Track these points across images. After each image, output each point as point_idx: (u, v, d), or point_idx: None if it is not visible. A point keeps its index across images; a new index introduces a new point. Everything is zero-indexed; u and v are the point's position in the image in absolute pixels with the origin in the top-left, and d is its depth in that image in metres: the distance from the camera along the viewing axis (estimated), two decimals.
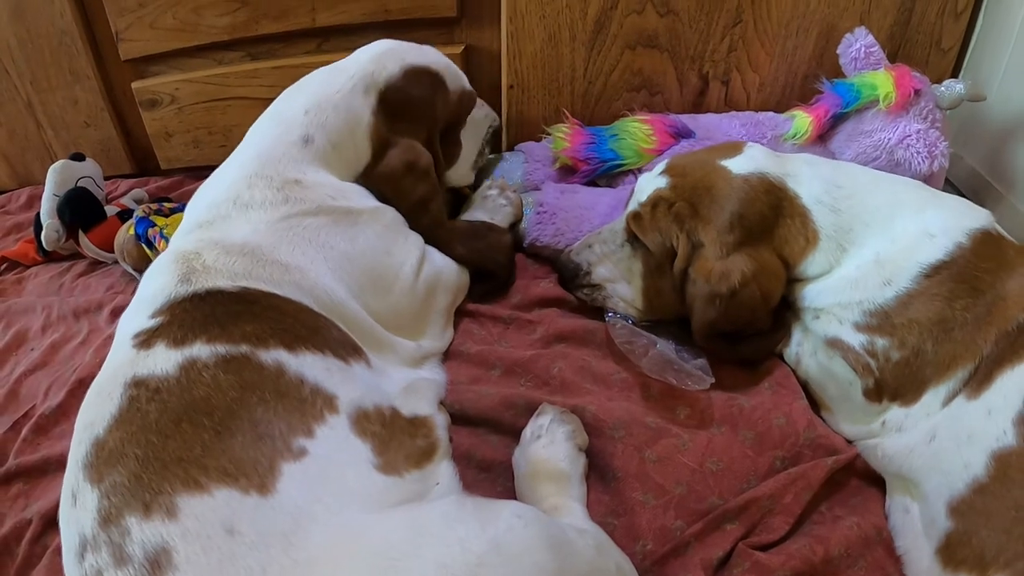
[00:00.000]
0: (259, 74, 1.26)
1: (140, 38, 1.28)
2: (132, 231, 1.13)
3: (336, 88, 0.94)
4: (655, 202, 0.90)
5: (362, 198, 0.93)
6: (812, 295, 0.88)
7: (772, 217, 0.87)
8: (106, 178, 1.39)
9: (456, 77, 1.04)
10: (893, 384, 0.83)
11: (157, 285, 0.76)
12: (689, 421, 0.88)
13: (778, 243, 0.88)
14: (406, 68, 0.98)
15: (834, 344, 0.87)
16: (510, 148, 1.21)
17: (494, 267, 1.03)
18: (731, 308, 0.86)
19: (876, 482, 0.87)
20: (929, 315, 0.81)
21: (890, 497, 0.85)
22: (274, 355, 0.70)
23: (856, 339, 0.85)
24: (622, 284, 0.96)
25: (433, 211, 0.99)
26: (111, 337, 1.02)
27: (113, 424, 0.64)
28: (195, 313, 0.72)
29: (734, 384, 0.92)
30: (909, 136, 1.03)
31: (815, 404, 0.92)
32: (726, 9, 1.14)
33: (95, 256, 1.25)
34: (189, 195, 1.34)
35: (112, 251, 1.21)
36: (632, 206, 0.94)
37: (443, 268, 0.97)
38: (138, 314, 0.75)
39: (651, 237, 0.90)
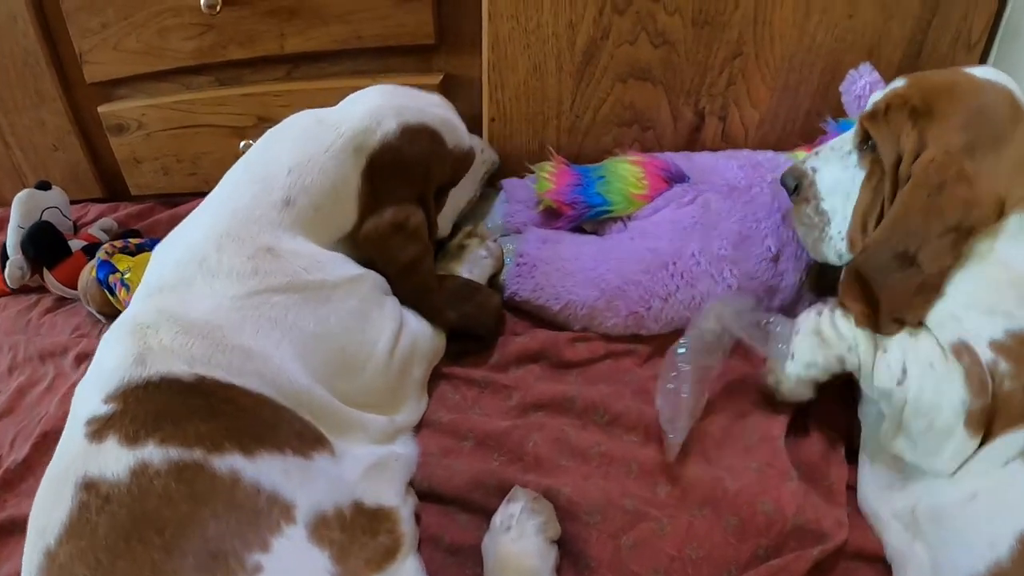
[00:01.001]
0: (227, 101, 1.24)
1: (104, 60, 1.27)
2: (94, 273, 1.13)
3: (324, 146, 0.92)
4: (891, 100, 0.86)
5: (340, 267, 0.91)
6: (970, 282, 0.81)
7: (1007, 131, 0.81)
8: (76, 202, 1.41)
9: (456, 134, 1.02)
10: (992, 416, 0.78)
11: (113, 361, 0.76)
12: (670, 500, 0.88)
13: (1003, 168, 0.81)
14: (403, 126, 0.95)
15: (962, 352, 0.78)
16: (491, 184, 1.19)
17: (483, 332, 1.03)
18: (932, 206, 0.78)
19: (868, 562, 0.87)
20: None
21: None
22: (229, 461, 0.70)
23: (986, 354, 0.78)
24: (841, 201, 0.91)
25: (423, 275, 0.98)
26: (76, 384, 1.05)
27: (63, 534, 0.65)
28: (148, 405, 0.72)
29: (719, 460, 0.92)
30: None
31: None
32: (726, 40, 1.10)
33: (60, 293, 1.26)
34: (160, 224, 1.36)
35: (76, 288, 1.21)
36: (868, 106, 0.90)
37: (419, 336, 0.96)
38: (93, 392, 0.75)
39: (883, 134, 0.86)
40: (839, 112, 1.08)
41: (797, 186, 0.96)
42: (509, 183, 1.16)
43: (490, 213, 1.14)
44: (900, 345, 0.82)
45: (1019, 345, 0.76)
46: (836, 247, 0.92)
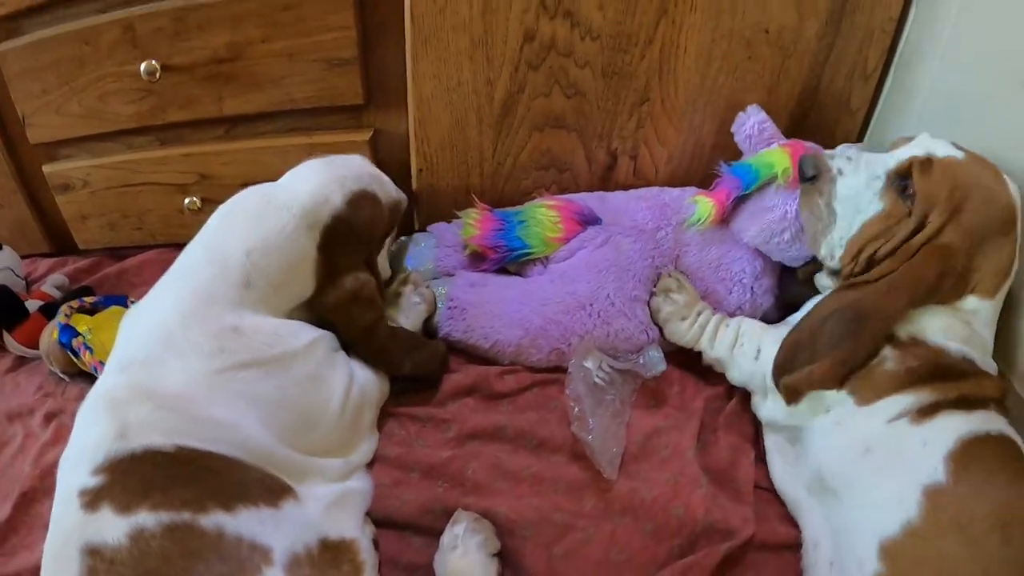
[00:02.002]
0: (169, 160, 1.40)
1: (47, 124, 1.41)
2: (56, 336, 1.29)
3: (278, 228, 1.04)
4: (949, 167, 1.03)
5: (298, 336, 1.04)
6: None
7: (998, 237, 1.02)
8: (24, 257, 1.54)
9: (386, 188, 1.17)
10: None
11: (94, 437, 0.88)
12: (594, 511, 1.08)
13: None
14: (347, 197, 1.09)
15: None
16: (422, 229, 1.37)
17: (432, 376, 1.21)
18: (927, 279, 0.99)
19: (774, 552, 1.08)
20: None
21: (803, 540, 1.06)
22: (213, 519, 0.84)
23: None
24: (849, 212, 1.08)
25: (380, 335, 1.14)
26: (47, 444, 1.21)
27: None
28: (135, 475, 0.85)
29: (638, 473, 1.12)
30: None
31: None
32: (633, 88, 1.31)
33: (21, 354, 1.40)
34: (108, 278, 1.51)
35: (37, 348, 1.34)
36: (918, 151, 1.06)
37: (367, 385, 1.13)
38: (79, 466, 0.87)
39: (927, 191, 1.02)
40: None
41: (814, 176, 1.11)
42: (439, 228, 1.35)
43: (421, 258, 1.32)
44: (751, 335, 1.15)
45: (910, 342, 1.00)
46: (833, 248, 1.11)
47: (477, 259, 1.30)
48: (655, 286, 1.25)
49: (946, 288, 1.01)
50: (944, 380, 0.98)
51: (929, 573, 0.88)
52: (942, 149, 1.06)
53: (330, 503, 0.99)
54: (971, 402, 0.98)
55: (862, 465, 0.98)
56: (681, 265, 1.27)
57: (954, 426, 0.95)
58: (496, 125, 1.32)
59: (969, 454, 0.92)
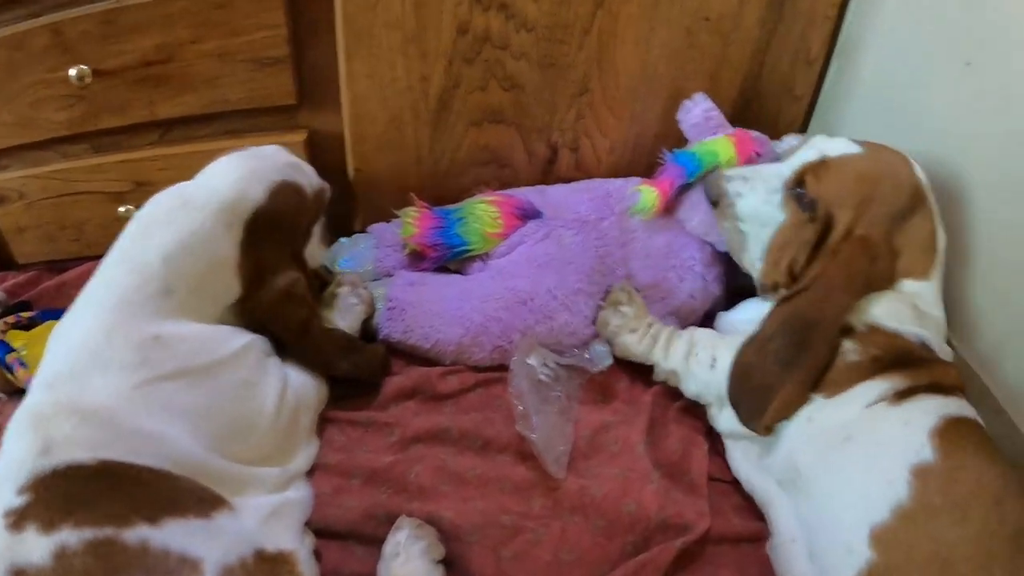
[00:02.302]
0: (104, 168, 1.37)
1: None
2: None
3: (195, 229, 1.01)
4: (842, 166, 1.07)
5: (225, 342, 1.02)
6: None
7: (909, 212, 1.05)
8: None
9: (308, 176, 1.15)
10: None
11: (19, 455, 0.86)
12: (543, 511, 1.07)
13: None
14: (268, 189, 1.06)
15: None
16: (362, 231, 1.36)
17: (372, 379, 1.19)
18: (858, 275, 1.01)
19: (732, 545, 1.08)
20: None
21: (774, 535, 1.05)
22: (138, 532, 0.83)
23: None
24: (756, 229, 1.13)
25: (314, 333, 1.12)
26: None
27: None
28: (58, 492, 0.83)
29: (587, 470, 1.11)
30: None
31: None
32: (572, 79, 1.29)
33: None
34: (47, 292, 1.48)
35: None
36: (812, 156, 1.10)
37: (303, 390, 1.10)
38: (4, 485, 0.86)
39: (823, 195, 1.06)
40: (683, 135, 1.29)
41: (716, 201, 1.16)
42: (378, 228, 1.33)
43: (361, 259, 1.31)
44: (705, 344, 1.14)
45: (871, 332, 1.02)
46: (751, 260, 1.15)
47: (417, 258, 1.29)
48: (604, 297, 1.23)
49: (880, 273, 1.03)
50: (912, 367, 0.99)
51: (924, 555, 0.87)
52: (836, 148, 1.09)
53: (267, 514, 0.98)
54: (943, 388, 0.99)
55: (843, 454, 0.97)
56: (629, 253, 1.25)
57: (934, 406, 0.96)
58: (432, 122, 1.30)
59: (954, 431, 0.93)
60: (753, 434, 1.06)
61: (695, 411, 1.20)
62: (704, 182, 1.17)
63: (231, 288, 1.05)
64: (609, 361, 1.17)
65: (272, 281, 1.07)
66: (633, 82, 1.32)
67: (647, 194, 1.23)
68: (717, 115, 1.26)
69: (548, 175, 1.39)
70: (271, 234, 1.07)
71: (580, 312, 1.19)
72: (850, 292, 1.01)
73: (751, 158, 1.21)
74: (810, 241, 1.07)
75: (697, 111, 1.25)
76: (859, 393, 0.99)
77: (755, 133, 1.23)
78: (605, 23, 1.26)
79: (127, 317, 0.97)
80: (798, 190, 1.09)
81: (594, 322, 1.21)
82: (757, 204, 1.13)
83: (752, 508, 1.11)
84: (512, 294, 1.18)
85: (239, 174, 1.07)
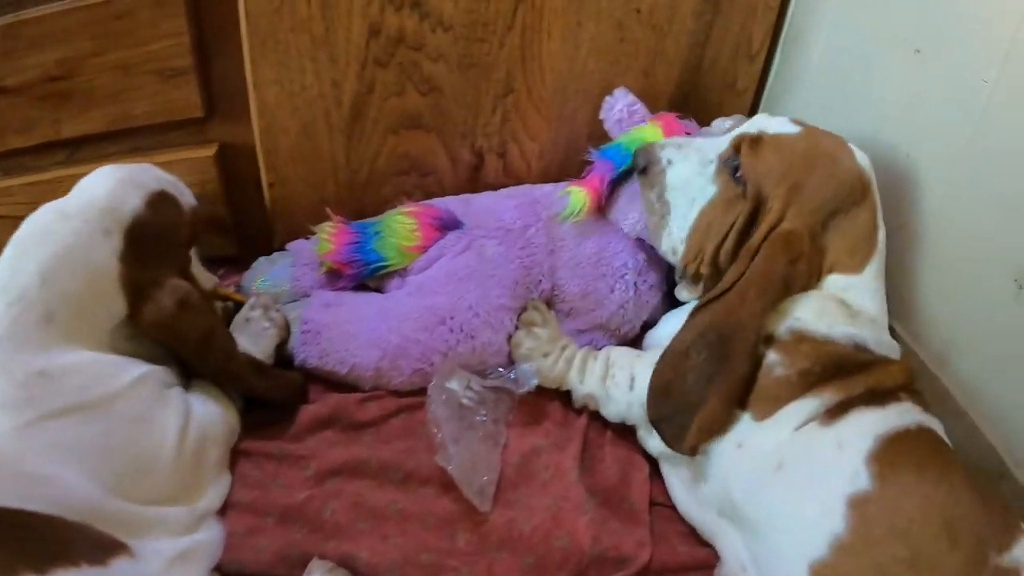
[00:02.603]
0: (11, 191, 1.29)
1: None
2: None
3: (71, 241, 0.94)
4: (779, 143, 1.01)
5: (119, 375, 0.94)
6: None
7: (851, 208, 0.99)
8: None
9: (185, 194, 1.08)
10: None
11: None
12: (468, 548, 0.99)
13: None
14: (146, 198, 1.00)
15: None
16: (281, 248, 1.28)
17: (285, 403, 1.11)
18: (779, 273, 0.94)
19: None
20: None
21: (722, 563, 0.98)
22: None
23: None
24: (682, 202, 1.05)
25: (219, 343, 1.03)
26: None
27: None
28: None
29: (516, 501, 1.03)
30: None
31: None
32: (495, 80, 1.22)
33: None
34: None
35: None
36: (749, 129, 1.04)
37: (209, 422, 1.03)
38: None
39: (757, 170, 0.99)
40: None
41: (645, 168, 1.08)
42: (296, 246, 1.25)
43: (278, 279, 1.22)
44: (622, 364, 1.07)
45: (795, 340, 0.94)
46: (672, 243, 1.07)
47: (335, 276, 1.20)
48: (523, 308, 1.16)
49: (800, 274, 0.96)
50: (845, 376, 0.92)
51: None
52: (775, 126, 1.03)
53: (172, 558, 0.90)
54: (880, 395, 0.91)
55: (775, 484, 0.91)
56: (557, 262, 1.18)
57: (869, 424, 0.89)
58: (347, 130, 1.22)
59: (892, 453, 0.86)
60: (684, 457, 0.98)
61: (635, 431, 1.12)
62: (635, 152, 1.11)
63: (115, 305, 0.97)
64: (535, 381, 1.09)
65: (160, 293, 0.99)
66: (561, 81, 1.25)
67: (576, 196, 1.16)
68: (641, 108, 1.20)
69: (475, 183, 1.31)
70: (152, 245, 1.00)
71: (504, 329, 1.11)
72: (765, 296, 0.94)
73: None
74: (737, 226, 1.00)
75: (619, 106, 1.19)
76: (789, 414, 0.92)
77: (684, 119, 1.19)
78: (528, 19, 1.19)
79: (11, 352, 0.89)
80: (733, 161, 1.03)
81: None
82: (689, 174, 1.06)
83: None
84: (430, 313, 1.10)
85: (114, 182, 1.00)
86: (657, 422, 0.98)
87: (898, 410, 0.91)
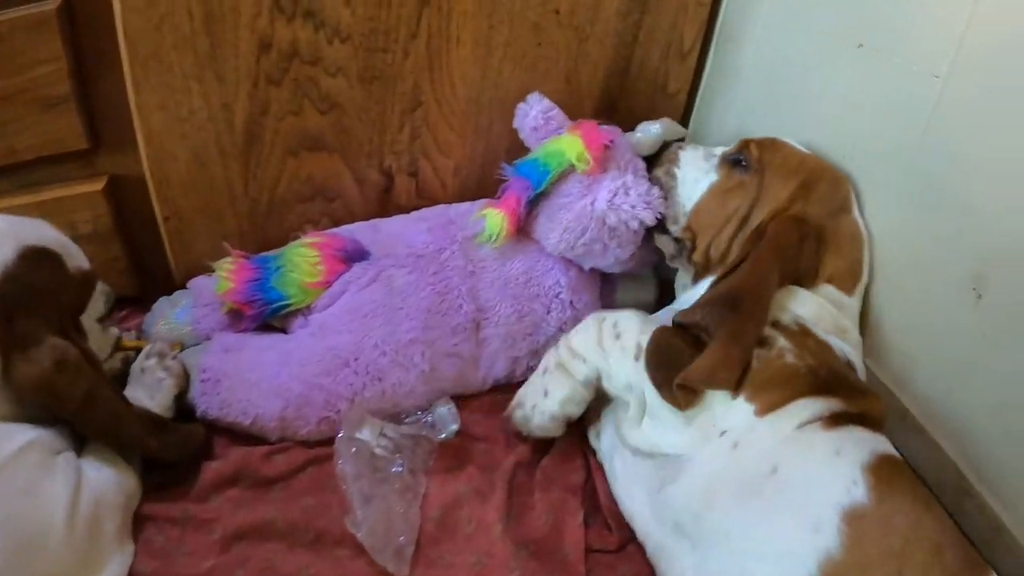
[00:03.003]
0: None
1: None
2: None
3: None
4: (788, 148, 1.06)
5: (0, 441, 0.87)
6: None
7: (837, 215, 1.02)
8: None
9: (74, 256, 0.99)
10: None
11: None
12: None
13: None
14: (22, 251, 0.91)
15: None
16: (182, 286, 1.17)
17: (182, 461, 1.01)
18: (787, 253, 0.95)
19: None
20: None
21: None
22: None
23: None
24: (690, 177, 1.10)
25: (105, 404, 0.94)
26: None
27: None
28: None
29: (439, 559, 0.94)
30: (615, 195, 1.04)
31: None
32: (400, 93, 1.12)
33: None
34: None
35: None
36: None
37: (103, 489, 0.93)
38: None
39: (770, 160, 1.04)
40: None
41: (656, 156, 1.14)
42: (197, 283, 1.14)
43: (176, 322, 1.12)
44: (630, 329, 0.97)
45: (801, 333, 0.92)
46: (676, 211, 1.09)
47: (237, 317, 1.10)
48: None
49: (808, 253, 0.98)
50: (848, 392, 0.89)
51: None
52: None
53: None
54: (871, 421, 0.89)
55: (765, 491, 0.84)
56: (479, 284, 1.09)
57: (866, 440, 0.86)
58: (242, 156, 1.11)
59: (887, 469, 0.83)
60: (675, 450, 0.91)
61: (568, 468, 1.04)
62: (635, 141, 1.13)
63: None
64: (454, 426, 0.99)
65: (35, 352, 0.89)
66: (474, 91, 1.15)
67: (493, 219, 1.07)
68: (558, 114, 1.11)
69: (386, 206, 1.21)
70: (25, 301, 0.91)
71: (415, 367, 1.01)
72: (777, 262, 0.94)
73: (603, 150, 1.07)
74: (741, 211, 1.03)
75: (534, 113, 1.10)
76: (797, 409, 0.87)
77: (606, 126, 1.10)
78: (434, 24, 1.09)
79: None
80: (737, 156, 1.08)
81: (433, 379, 1.03)
82: (695, 159, 1.11)
83: None
84: (332, 355, 1.00)
85: None
86: (655, 366, 0.91)
87: (884, 441, 0.88)
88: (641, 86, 1.24)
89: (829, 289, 0.99)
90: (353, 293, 1.03)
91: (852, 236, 1.01)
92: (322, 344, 1.01)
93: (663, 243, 1.12)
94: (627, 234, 1.06)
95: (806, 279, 0.98)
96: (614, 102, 1.23)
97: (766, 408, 0.87)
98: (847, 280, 1.00)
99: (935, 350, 0.98)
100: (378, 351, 0.99)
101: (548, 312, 1.10)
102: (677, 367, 0.87)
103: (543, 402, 1.00)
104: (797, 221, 0.98)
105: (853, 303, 1.01)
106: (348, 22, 1.05)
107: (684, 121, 1.28)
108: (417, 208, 1.20)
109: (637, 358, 0.94)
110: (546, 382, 1.01)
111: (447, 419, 0.99)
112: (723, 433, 0.88)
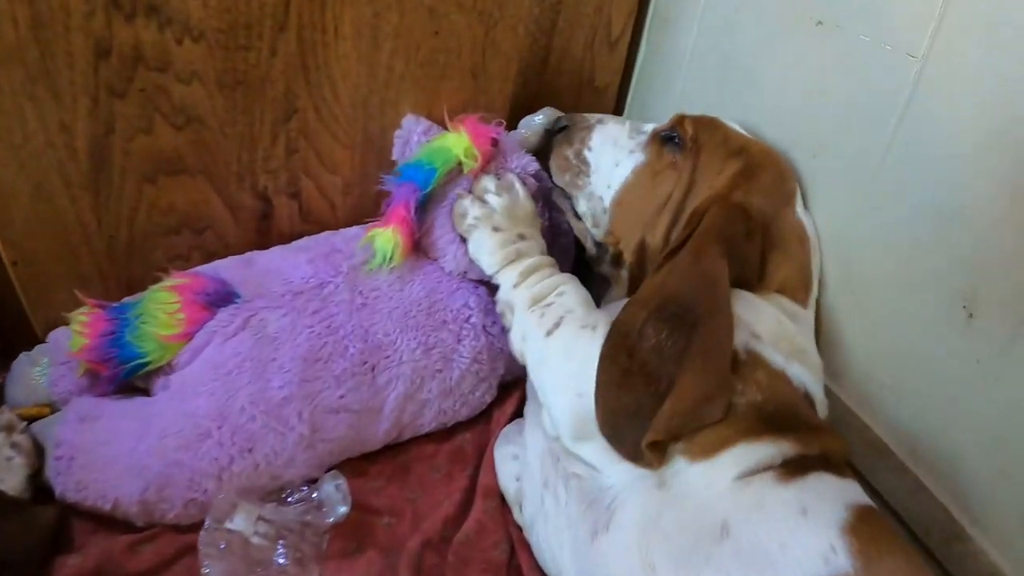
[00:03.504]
0: None
1: None
2: None
3: None
4: (729, 130, 0.92)
5: None
6: None
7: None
8: None
9: None
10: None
11: None
12: None
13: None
14: None
15: None
16: (42, 340, 0.99)
17: (30, 554, 0.83)
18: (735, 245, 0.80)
19: None
20: None
21: None
22: None
23: None
24: (606, 163, 0.95)
25: None
26: None
27: None
28: None
29: None
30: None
31: None
32: (270, 99, 0.94)
33: None
34: None
35: None
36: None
37: None
38: None
39: (708, 139, 0.90)
40: None
41: (567, 126, 0.99)
42: (55, 337, 0.96)
43: (32, 384, 0.94)
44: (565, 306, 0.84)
45: (751, 364, 0.75)
46: (594, 208, 0.96)
47: (95, 378, 0.92)
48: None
49: (753, 256, 0.83)
50: (802, 431, 0.73)
51: None
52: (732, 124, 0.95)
53: None
54: (833, 464, 0.73)
55: (718, 559, 0.66)
56: (371, 319, 0.92)
57: (836, 490, 0.70)
58: (91, 185, 0.93)
59: (869, 528, 0.67)
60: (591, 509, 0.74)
61: (488, 541, 0.86)
62: (560, 117, 1.00)
63: None
64: (343, 508, 0.82)
65: None
66: (359, 93, 0.98)
67: (382, 239, 0.91)
68: (437, 130, 0.98)
69: (266, 234, 1.03)
70: None
71: (293, 430, 0.84)
72: (722, 247, 0.77)
73: (490, 144, 0.94)
74: (675, 196, 0.88)
75: (416, 139, 0.97)
76: (734, 457, 0.70)
77: (494, 125, 0.96)
78: (306, 13, 0.91)
79: None
80: (670, 133, 0.93)
81: (314, 443, 0.86)
82: (619, 135, 0.97)
83: None
84: (192, 424, 0.82)
85: None
86: (613, 428, 0.73)
87: (855, 487, 0.72)
88: (564, 80, 1.08)
89: (782, 300, 0.84)
90: (217, 345, 0.85)
91: (799, 238, 0.88)
92: (180, 409, 0.83)
93: (587, 245, 1.00)
94: None
95: (752, 286, 0.83)
96: (533, 99, 1.07)
97: (699, 452, 0.71)
98: (800, 289, 0.86)
99: (921, 378, 0.82)
100: (246, 415, 0.82)
101: (459, 341, 0.94)
102: (641, 421, 0.70)
103: (490, 241, 0.90)
104: (742, 210, 0.83)
105: (808, 317, 0.87)
106: (199, 16, 0.88)
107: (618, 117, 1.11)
108: (304, 234, 1.02)
109: (548, 334, 0.82)
110: (520, 250, 0.91)
111: (334, 499, 0.82)
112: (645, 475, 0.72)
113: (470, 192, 0.92)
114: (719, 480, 0.70)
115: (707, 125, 0.93)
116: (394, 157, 0.97)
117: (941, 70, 0.75)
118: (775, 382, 0.75)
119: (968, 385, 0.77)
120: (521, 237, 0.91)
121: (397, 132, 0.97)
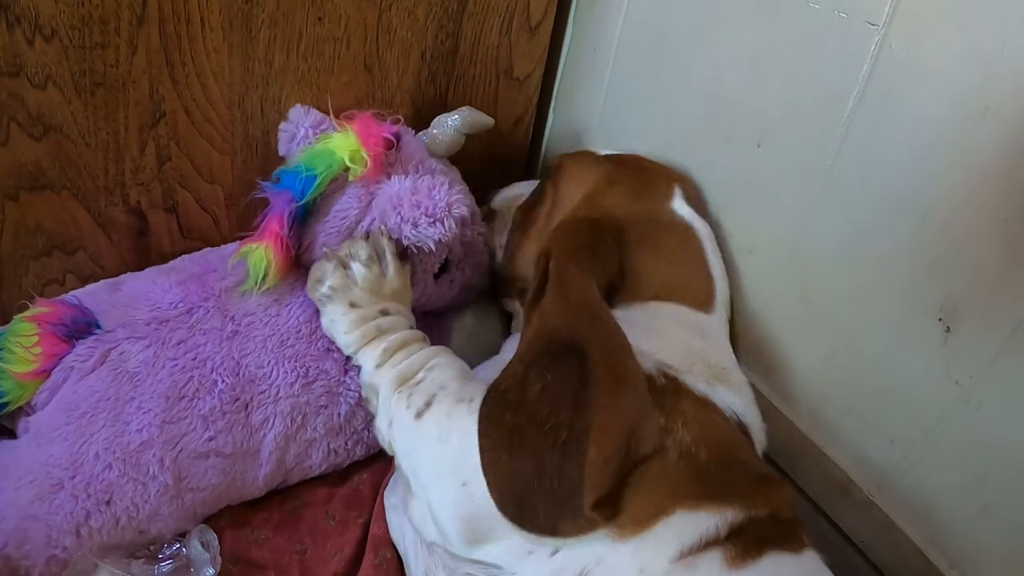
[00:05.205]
0: None
1: None
2: None
3: None
4: (593, 156, 0.88)
5: None
6: None
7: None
8: None
9: None
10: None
11: None
12: None
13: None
14: None
15: None
16: None
17: None
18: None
19: None
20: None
21: None
22: None
23: None
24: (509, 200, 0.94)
25: None
26: None
27: None
28: None
29: None
30: (400, 205, 0.79)
31: None
32: (134, 102, 0.84)
33: None
34: None
35: None
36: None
37: None
38: None
39: (563, 171, 0.87)
40: None
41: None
42: None
43: None
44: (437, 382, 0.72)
45: (671, 389, 0.65)
46: (501, 238, 0.94)
47: None
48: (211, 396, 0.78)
49: (609, 252, 0.74)
50: (747, 486, 0.61)
51: None
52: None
53: None
54: (784, 524, 0.62)
55: None
56: (244, 349, 0.81)
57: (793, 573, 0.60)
58: None
59: None
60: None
61: None
62: (429, 138, 0.90)
63: None
64: (211, 571, 0.73)
65: None
66: (235, 91, 0.87)
67: (255, 256, 0.81)
68: (330, 124, 0.84)
69: (146, 253, 0.93)
70: None
71: (155, 480, 0.75)
72: (583, 267, 0.68)
73: (385, 147, 0.83)
74: (538, 225, 0.85)
75: (303, 133, 0.84)
76: (670, 530, 0.58)
77: (383, 117, 0.85)
78: (167, 2, 0.81)
79: None
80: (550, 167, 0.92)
81: (179, 491, 0.76)
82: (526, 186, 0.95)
83: None
84: (45, 473, 0.73)
85: None
86: (516, 502, 0.59)
87: (814, 562, 0.62)
88: (477, 72, 0.96)
89: (679, 311, 0.75)
90: (73, 383, 0.76)
91: (681, 235, 0.79)
92: (36, 458, 0.74)
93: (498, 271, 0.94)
94: (428, 258, 0.81)
95: (624, 293, 0.74)
96: (440, 96, 0.95)
97: (629, 525, 0.58)
98: (697, 293, 0.77)
99: (890, 402, 0.73)
100: (101, 463, 0.73)
101: (345, 372, 0.84)
102: (547, 483, 0.58)
103: (346, 318, 0.78)
104: (585, 221, 0.76)
105: (716, 323, 0.77)
106: (50, 12, 0.78)
107: (541, 113, 1.02)
108: (187, 252, 0.92)
109: (419, 416, 0.69)
110: (382, 327, 0.79)
111: (201, 559, 0.72)
112: (555, 552, 0.60)
113: (336, 252, 0.79)
114: (655, 563, 0.58)
115: (578, 155, 0.89)
116: (281, 153, 0.87)
117: (905, 40, 0.65)
118: (703, 413, 0.65)
119: (945, 410, 0.68)
120: (383, 313, 0.79)
121: (283, 124, 0.86)
